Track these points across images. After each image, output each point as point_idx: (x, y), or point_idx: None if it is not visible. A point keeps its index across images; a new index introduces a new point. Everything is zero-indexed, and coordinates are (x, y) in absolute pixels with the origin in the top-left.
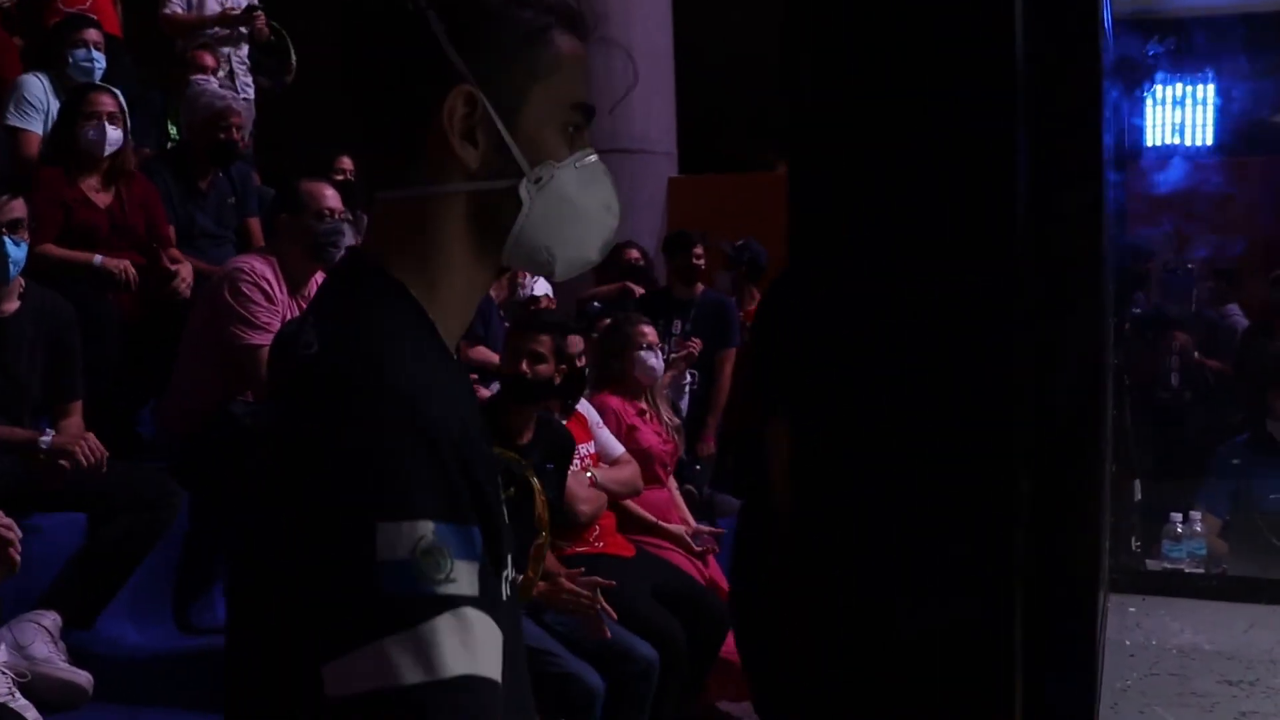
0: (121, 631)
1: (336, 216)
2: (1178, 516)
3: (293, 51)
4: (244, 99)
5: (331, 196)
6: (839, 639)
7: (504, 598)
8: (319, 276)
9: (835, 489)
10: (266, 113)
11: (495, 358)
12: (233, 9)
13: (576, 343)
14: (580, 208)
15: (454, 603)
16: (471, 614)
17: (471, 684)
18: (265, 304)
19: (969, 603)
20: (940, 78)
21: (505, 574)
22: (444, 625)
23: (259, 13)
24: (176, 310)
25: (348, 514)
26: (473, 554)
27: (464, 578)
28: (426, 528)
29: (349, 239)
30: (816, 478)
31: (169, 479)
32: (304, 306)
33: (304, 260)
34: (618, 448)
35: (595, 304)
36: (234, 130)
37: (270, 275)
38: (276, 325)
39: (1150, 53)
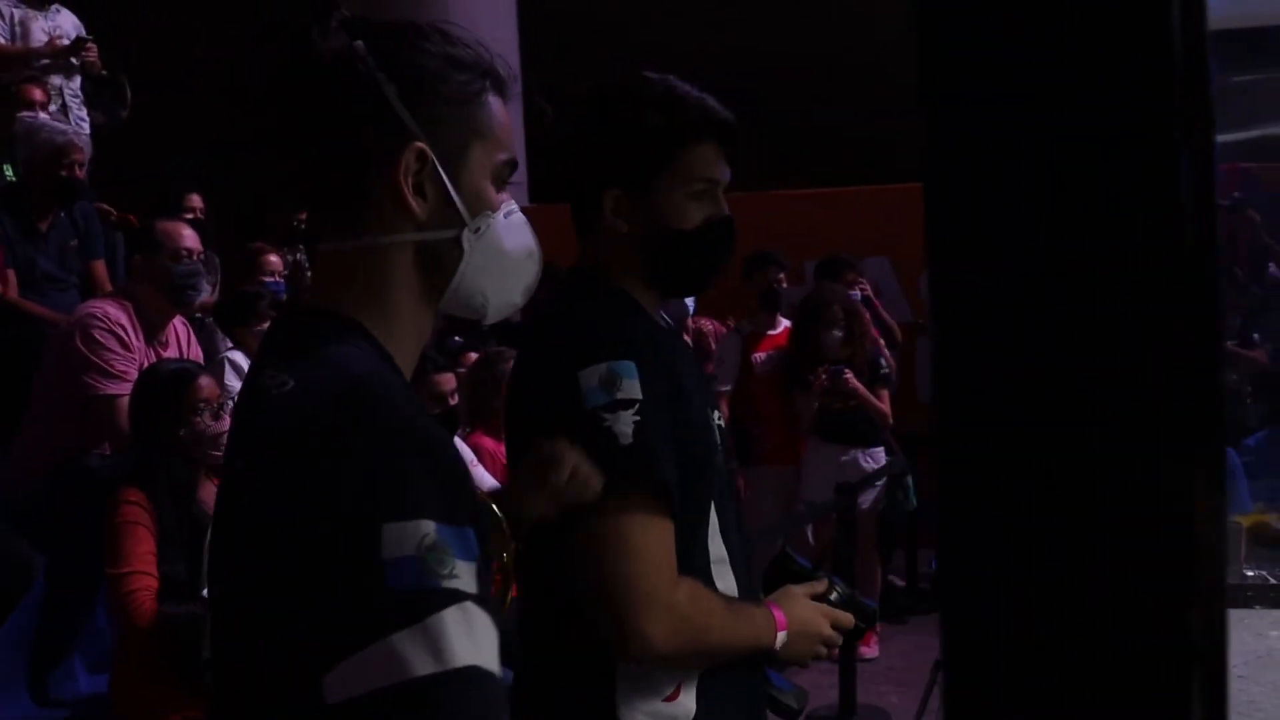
0: None
1: (194, 258)
2: None
3: (127, 85)
4: (84, 134)
5: (189, 237)
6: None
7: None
8: (177, 321)
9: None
10: (99, 148)
11: None
12: (60, 39)
13: (447, 380)
14: (510, 255)
15: (458, 596)
16: (474, 609)
17: (478, 675)
18: (121, 351)
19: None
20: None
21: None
22: (451, 617)
23: (90, 43)
24: (21, 356)
25: (352, 518)
26: (471, 554)
27: (465, 575)
28: (429, 527)
29: (206, 282)
30: (975, 491)
31: (23, 543)
32: (161, 353)
33: (161, 304)
34: (494, 486)
35: (456, 338)
36: (76, 167)
37: (125, 321)
38: (133, 374)
39: None
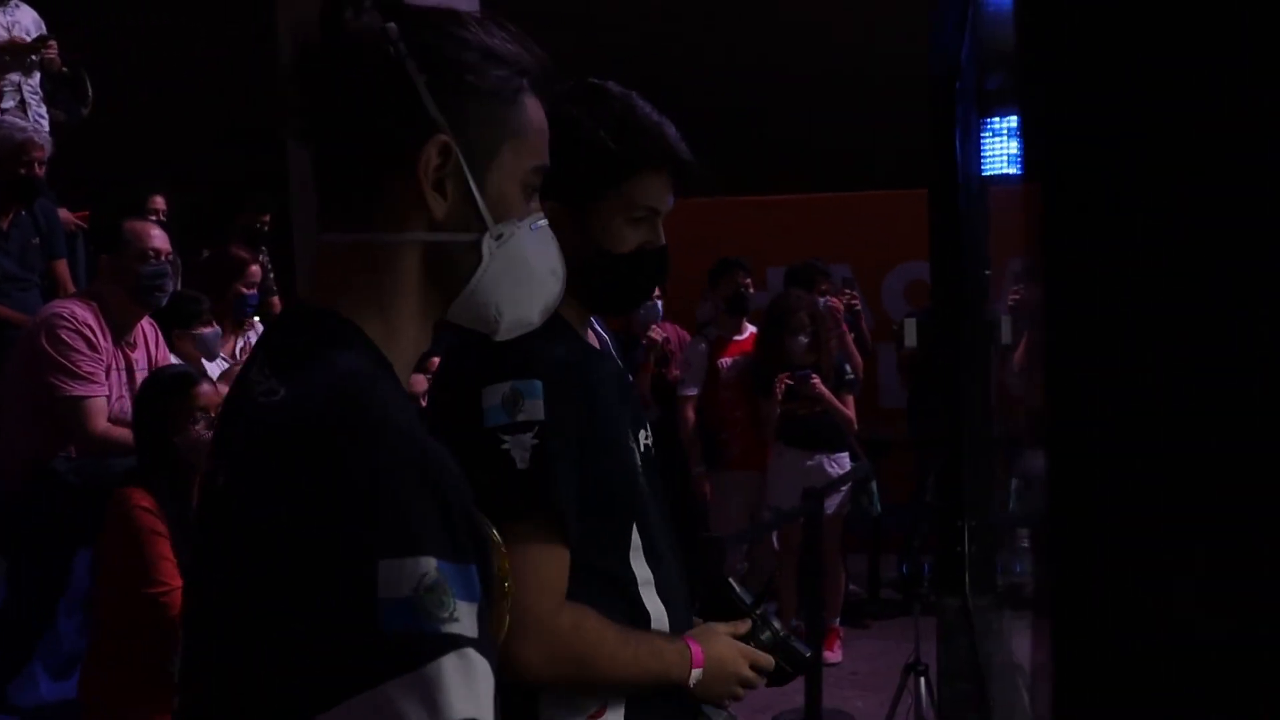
0: None
1: (163, 258)
2: None
3: (89, 83)
4: (44, 132)
5: (158, 236)
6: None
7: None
8: (145, 322)
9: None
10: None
11: None
12: (21, 38)
13: (418, 382)
14: (532, 269)
15: (458, 642)
16: (474, 655)
17: None
18: (88, 352)
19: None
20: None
21: None
22: (449, 666)
23: (51, 42)
24: None
25: (346, 552)
26: (473, 594)
27: (466, 618)
28: (429, 564)
29: (172, 282)
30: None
31: None
32: (129, 355)
33: (127, 304)
34: None
35: None
36: (36, 165)
37: (92, 321)
38: (101, 375)
39: (991, 86)
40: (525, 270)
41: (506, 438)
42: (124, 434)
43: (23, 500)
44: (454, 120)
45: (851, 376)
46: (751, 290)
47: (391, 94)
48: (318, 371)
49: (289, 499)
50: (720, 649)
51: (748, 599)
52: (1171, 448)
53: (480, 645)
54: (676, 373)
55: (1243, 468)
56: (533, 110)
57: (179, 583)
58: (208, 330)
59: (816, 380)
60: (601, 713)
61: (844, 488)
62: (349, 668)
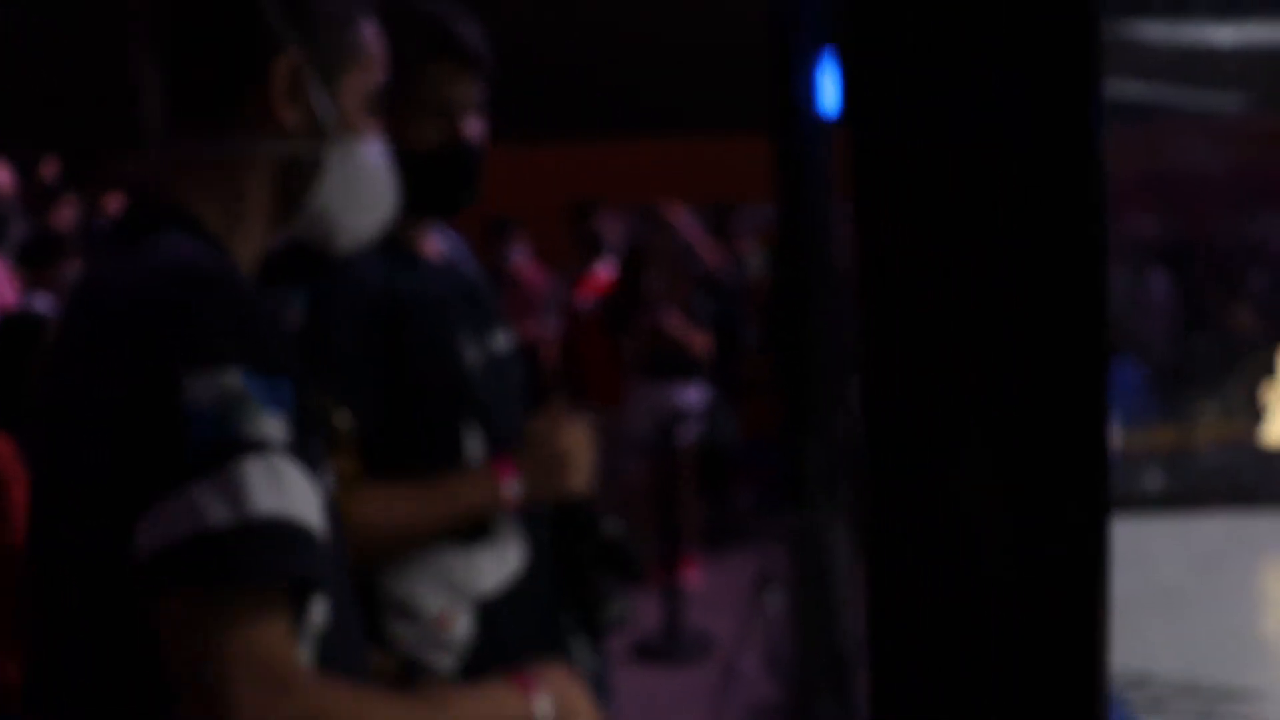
0: None
1: (4, 196)
2: None
3: None
4: None
5: (2, 176)
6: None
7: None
8: None
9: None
10: None
11: None
12: None
13: None
14: (370, 185)
15: (261, 447)
16: (281, 462)
17: (284, 525)
18: None
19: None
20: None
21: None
22: (252, 467)
23: None
24: None
25: (153, 370)
26: (283, 404)
27: (272, 427)
28: (234, 375)
29: (12, 223)
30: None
31: None
32: None
33: None
34: None
35: None
36: None
37: None
38: None
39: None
40: (362, 185)
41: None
42: None
43: None
44: (302, 40)
45: (704, 310)
46: (603, 231)
47: (246, 13)
48: (151, 244)
49: (100, 338)
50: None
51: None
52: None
53: (292, 453)
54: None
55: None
56: (371, 36)
57: None
58: (73, 268)
59: (669, 315)
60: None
61: (697, 417)
62: (160, 475)
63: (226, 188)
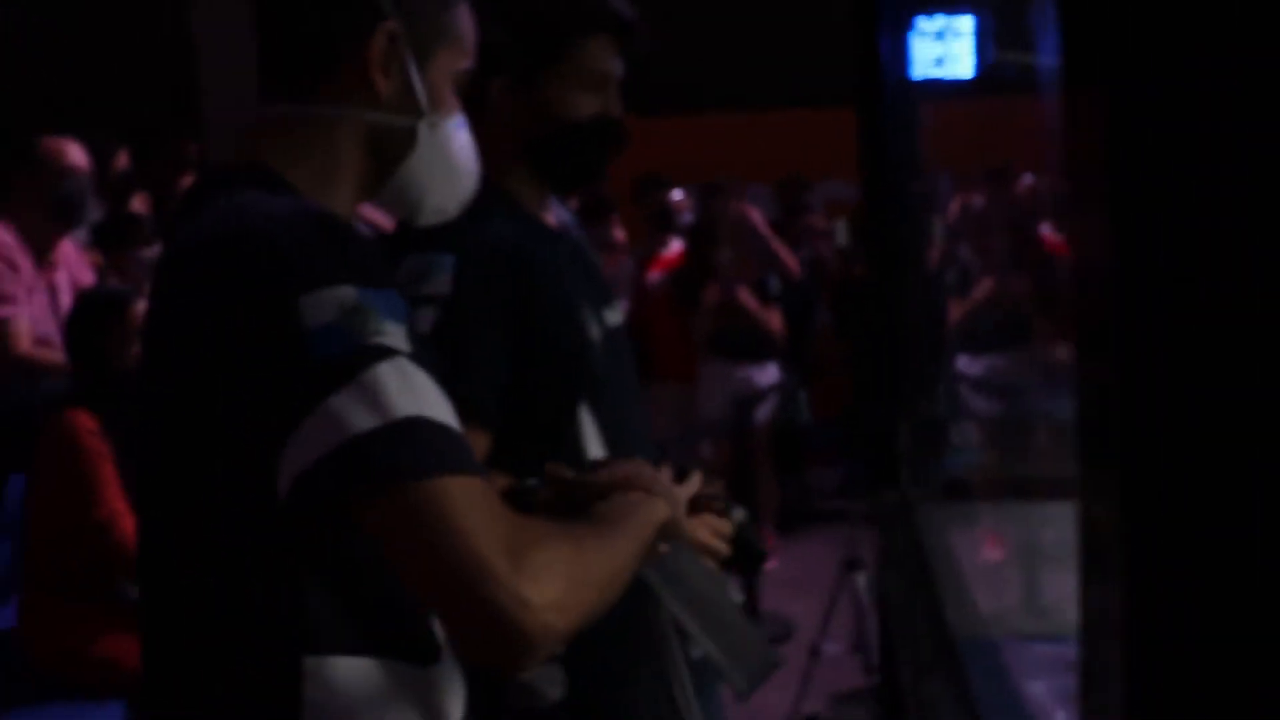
0: None
1: (80, 175)
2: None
3: None
4: None
5: (77, 154)
6: None
7: None
8: (67, 243)
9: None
10: None
11: None
12: None
13: None
14: (456, 163)
15: (389, 352)
16: (408, 364)
17: (424, 424)
18: (8, 273)
19: None
20: None
21: None
22: (384, 371)
23: None
24: None
25: (266, 299)
26: (399, 314)
27: (394, 333)
28: (347, 290)
29: (91, 200)
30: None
31: None
32: (51, 276)
33: (45, 224)
34: None
35: None
36: None
37: (10, 241)
38: (22, 296)
39: None
40: (451, 162)
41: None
42: (49, 355)
43: None
44: (403, 12)
45: (777, 293)
46: (677, 207)
47: None
48: (241, 203)
49: (210, 282)
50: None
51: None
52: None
53: (415, 358)
54: None
55: None
56: (465, 18)
57: (123, 506)
58: (149, 252)
59: (742, 291)
60: None
61: (771, 397)
62: (292, 402)
63: (318, 152)
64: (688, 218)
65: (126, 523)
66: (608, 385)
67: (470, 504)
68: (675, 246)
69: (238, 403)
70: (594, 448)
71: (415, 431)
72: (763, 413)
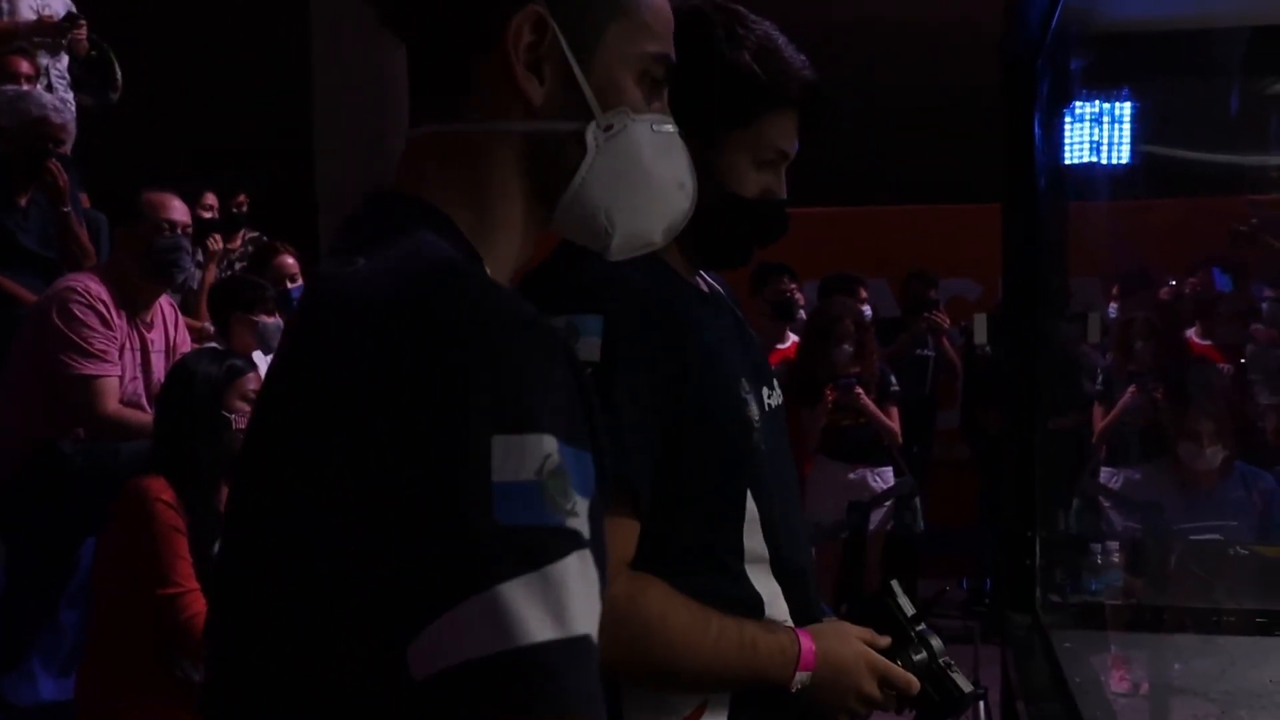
0: None
1: (181, 231)
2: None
3: (117, 66)
4: (67, 113)
5: (178, 209)
6: None
7: None
8: (164, 301)
9: None
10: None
11: None
12: (50, 16)
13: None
14: (652, 175)
15: (581, 541)
16: (591, 561)
17: (591, 649)
18: (101, 329)
19: None
20: None
21: None
22: (574, 568)
23: (82, 22)
24: None
25: (451, 428)
26: (588, 488)
27: (583, 514)
28: (552, 445)
29: (191, 263)
30: None
31: None
32: (145, 334)
33: (142, 279)
34: None
35: None
36: (53, 143)
37: (106, 297)
38: (113, 354)
39: (1073, 67)
40: (641, 174)
41: None
42: (136, 416)
43: (25, 483)
44: None
45: (896, 388)
46: (797, 297)
47: None
48: (405, 243)
49: (374, 370)
50: (843, 654)
51: (909, 610)
52: None
53: (595, 550)
54: None
55: None
56: None
57: (194, 585)
58: (270, 320)
59: (859, 391)
60: (699, 714)
61: (887, 503)
62: (456, 568)
63: (472, 183)
64: (803, 312)
65: (195, 602)
66: (767, 472)
67: None
68: (791, 340)
69: (382, 534)
70: (754, 541)
71: (585, 657)
72: (876, 518)
